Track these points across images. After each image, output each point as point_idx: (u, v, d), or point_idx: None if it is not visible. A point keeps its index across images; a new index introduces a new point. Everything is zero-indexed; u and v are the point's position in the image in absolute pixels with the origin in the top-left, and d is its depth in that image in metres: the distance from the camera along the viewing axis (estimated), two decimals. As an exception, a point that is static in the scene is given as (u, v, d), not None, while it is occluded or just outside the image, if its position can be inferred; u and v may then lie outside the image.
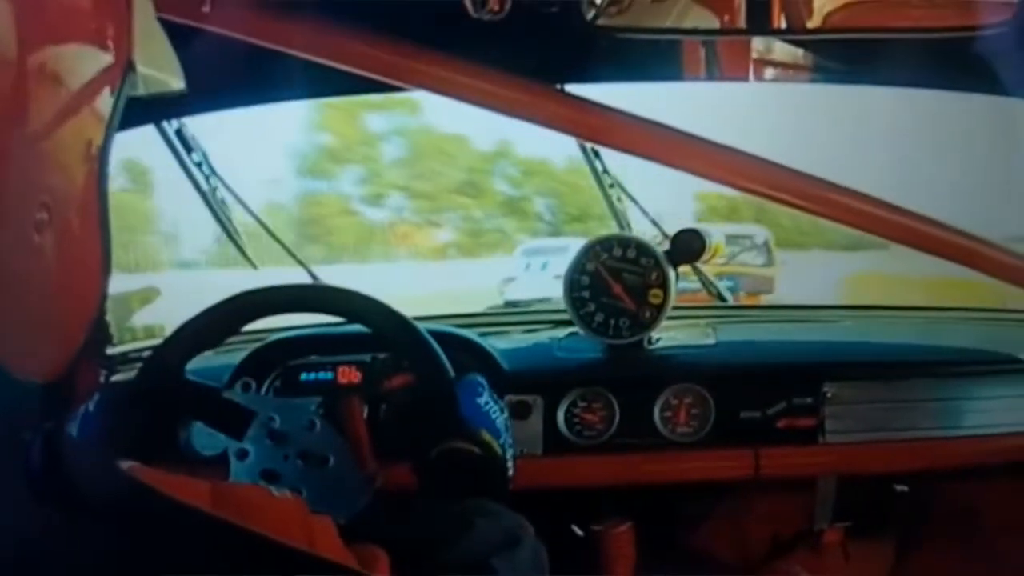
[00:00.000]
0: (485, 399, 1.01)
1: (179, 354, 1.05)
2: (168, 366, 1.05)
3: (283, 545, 0.50)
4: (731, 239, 8.41)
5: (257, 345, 1.29)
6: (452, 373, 1.04)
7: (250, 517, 0.54)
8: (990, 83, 1.08)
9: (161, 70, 0.88)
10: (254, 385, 1.09)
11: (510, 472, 0.98)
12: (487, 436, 0.96)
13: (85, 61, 0.48)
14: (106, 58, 0.50)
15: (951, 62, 1.11)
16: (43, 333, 0.48)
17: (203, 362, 1.08)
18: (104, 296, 0.79)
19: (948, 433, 1.27)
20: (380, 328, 1.09)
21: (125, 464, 0.53)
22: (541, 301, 3.91)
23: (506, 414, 1.02)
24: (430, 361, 1.05)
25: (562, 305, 1.34)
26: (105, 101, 0.50)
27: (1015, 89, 1.12)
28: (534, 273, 8.73)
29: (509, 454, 0.99)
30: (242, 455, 1.03)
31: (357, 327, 1.18)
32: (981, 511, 1.38)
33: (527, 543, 0.79)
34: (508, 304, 5.00)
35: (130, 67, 0.56)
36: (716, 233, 1.36)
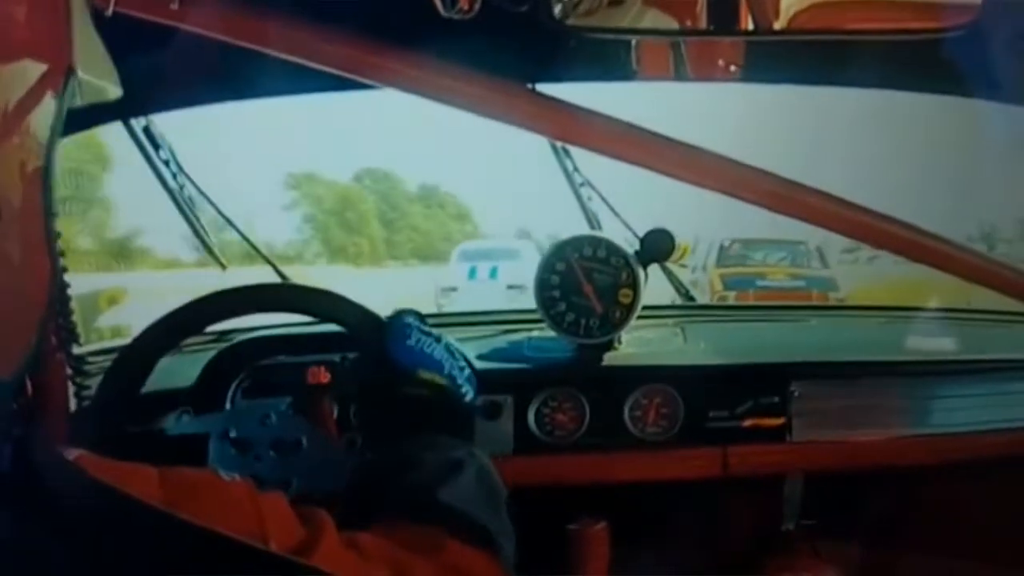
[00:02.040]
0: (415, 337, 0.98)
1: (140, 365, 1.04)
2: (129, 379, 1.04)
3: (234, 539, 0.50)
4: (790, 244, 8.65)
5: (224, 346, 1.29)
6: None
7: (200, 499, 0.56)
8: (952, 85, 1.12)
9: (100, 76, 0.89)
10: (191, 411, 1.11)
11: (467, 396, 0.98)
12: (425, 374, 0.95)
13: (26, 70, 0.49)
14: (46, 66, 0.50)
15: (915, 64, 1.14)
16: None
17: (167, 365, 1.06)
18: (52, 299, 0.79)
19: (914, 432, 1.31)
20: (354, 329, 1.09)
21: (72, 453, 0.54)
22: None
23: (444, 341, 1.00)
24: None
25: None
26: (48, 108, 0.50)
27: (976, 91, 1.15)
28: (481, 282, 8.23)
29: (462, 378, 0.98)
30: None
31: (326, 327, 1.20)
32: (948, 510, 1.41)
33: (470, 466, 0.79)
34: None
35: (71, 72, 0.57)
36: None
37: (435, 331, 1.00)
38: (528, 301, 1.37)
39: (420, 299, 7.52)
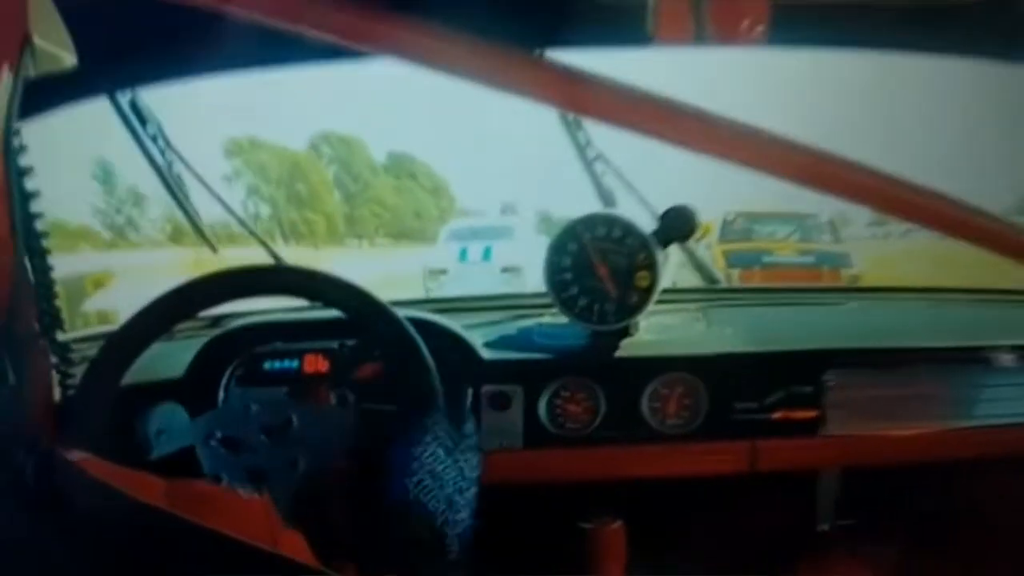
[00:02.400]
0: (417, 478, 0.96)
1: (129, 353, 1.02)
2: (118, 367, 1.01)
3: (239, 540, 0.50)
4: (796, 217, 8.42)
5: (217, 332, 1.26)
6: (435, 370, 1.01)
7: (211, 512, 0.56)
8: (990, 48, 1.05)
9: (56, 44, 0.84)
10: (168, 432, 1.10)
11: (452, 547, 0.96)
12: (418, 523, 0.94)
13: None
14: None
15: (952, 27, 1.06)
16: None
17: (155, 353, 1.03)
18: (16, 281, 0.75)
19: (959, 424, 1.24)
20: (356, 314, 1.06)
21: (77, 456, 0.54)
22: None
23: (455, 472, 0.99)
24: (409, 350, 1.02)
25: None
26: (5, 83, 0.48)
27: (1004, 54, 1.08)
28: (474, 264, 7.75)
29: (454, 522, 0.96)
30: (217, 481, 1.02)
31: (324, 313, 1.15)
32: (995, 509, 1.34)
33: None
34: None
35: (27, 42, 0.53)
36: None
37: (445, 445, 0.99)
38: (531, 284, 1.31)
39: (397, 283, 7.52)
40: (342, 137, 23.27)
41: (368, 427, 1.07)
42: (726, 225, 8.02)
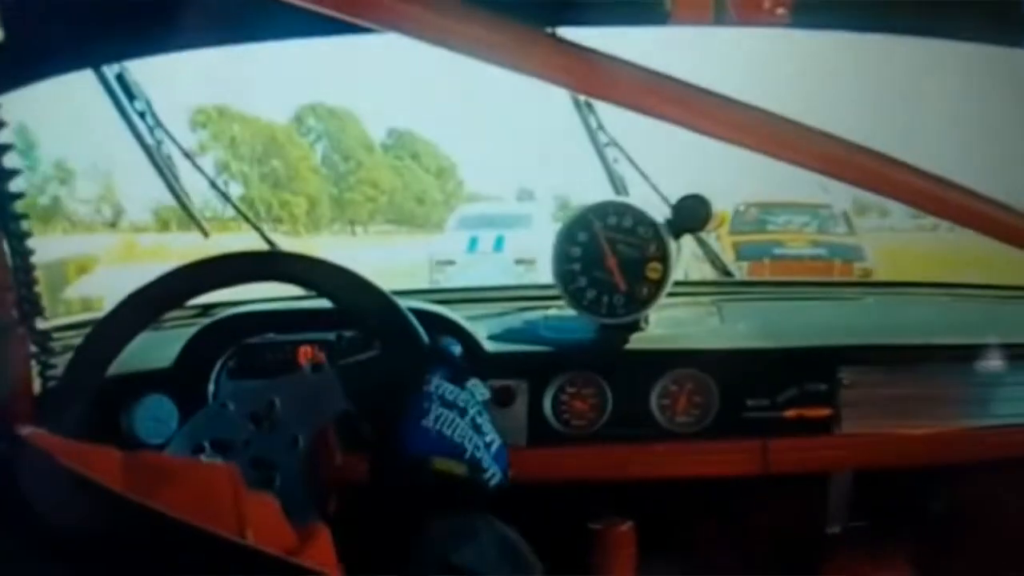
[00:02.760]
0: (434, 415, 0.95)
1: (114, 342, 0.99)
2: (102, 358, 0.99)
3: (188, 525, 0.47)
4: (810, 208, 8.31)
5: (207, 321, 1.23)
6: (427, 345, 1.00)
7: (171, 486, 0.54)
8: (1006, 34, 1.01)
9: None
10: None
11: (492, 479, 0.95)
12: (441, 463, 0.93)
13: None
14: None
15: (973, 11, 1.03)
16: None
17: (142, 342, 1.00)
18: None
19: (977, 423, 1.23)
20: (353, 304, 1.03)
21: (25, 430, 0.53)
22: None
23: (471, 412, 0.97)
24: (406, 338, 1.00)
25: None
26: None
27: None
28: (484, 255, 7.19)
29: (488, 458, 0.96)
30: None
31: (320, 302, 1.11)
32: (1012, 509, 1.30)
33: (486, 534, 0.83)
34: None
35: None
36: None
37: (463, 396, 0.98)
38: (542, 276, 1.27)
39: (398, 275, 6.97)
40: (332, 110, 22.00)
41: (354, 382, 1.03)
42: (738, 215, 7.85)
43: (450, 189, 22.67)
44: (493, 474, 0.96)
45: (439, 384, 0.98)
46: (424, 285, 6.67)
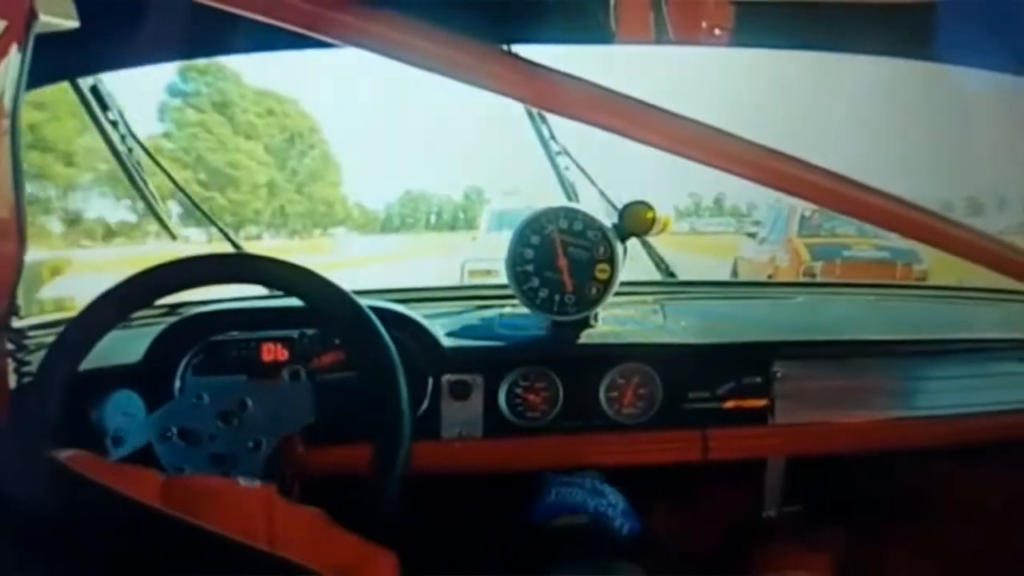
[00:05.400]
0: (554, 491, 1.10)
1: (87, 340, 1.02)
2: (75, 355, 1.01)
3: (233, 540, 0.50)
4: None
5: (174, 320, 1.26)
6: (398, 361, 1.02)
7: (205, 507, 0.55)
8: (938, 51, 1.09)
9: (59, 15, 0.84)
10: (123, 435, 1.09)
11: (623, 528, 1.06)
12: (562, 520, 1.05)
13: None
14: (5, 22, 0.48)
15: (904, 29, 1.12)
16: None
17: (110, 340, 1.03)
18: (21, 262, 0.76)
19: (901, 414, 1.29)
20: (318, 303, 1.06)
21: (61, 454, 0.53)
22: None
23: (590, 483, 1.11)
24: (374, 344, 1.03)
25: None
26: (11, 62, 0.48)
27: (960, 58, 1.15)
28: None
29: (615, 512, 1.08)
30: (179, 473, 1.04)
31: (283, 301, 1.16)
32: (936, 494, 1.40)
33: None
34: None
35: (33, 18, 0.53)
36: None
37: (578, 475, 1.10)
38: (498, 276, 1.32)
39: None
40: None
41: (325, 399, 1.09)
42: (804, 220, 7.97)
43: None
44: (622, 524, 1.03)
45: (555, 474, 1.07)
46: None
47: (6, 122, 0.51)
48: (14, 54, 0.49)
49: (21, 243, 0.67)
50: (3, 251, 0.50)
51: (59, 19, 0.85)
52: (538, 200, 1.34)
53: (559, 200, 1.41)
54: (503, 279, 1.29)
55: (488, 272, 5.59)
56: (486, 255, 5.96)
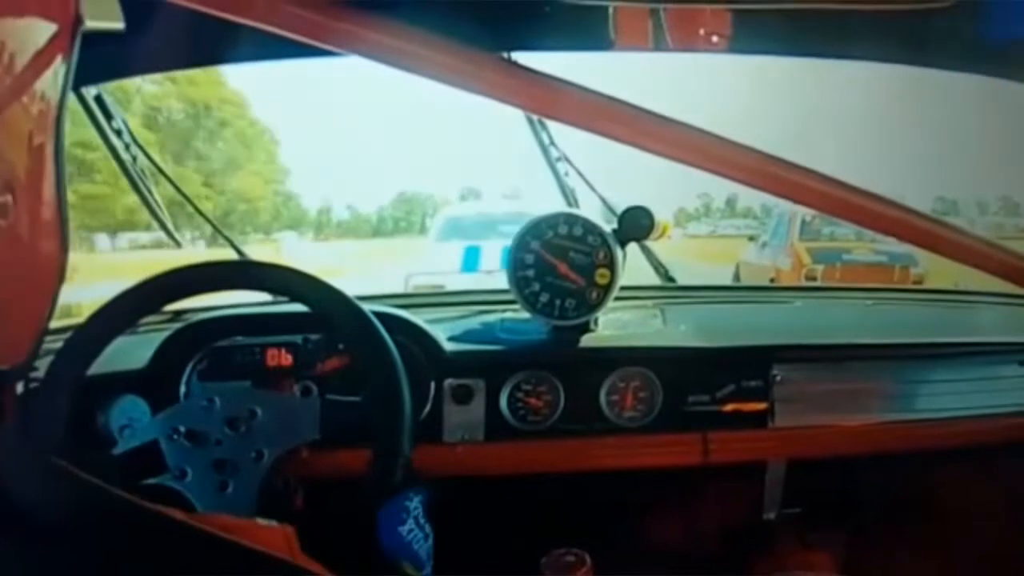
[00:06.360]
0: (409, 526, 1.07)
1: (94, 347, 1.04)
2: (82, 361, 1.03)
3: (233, 541, 0.51)
4: None
5: (179, 325, 1.27)
6: (401, 366, 1.05)
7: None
8: (936, 57, 1.10)
9: (106, 19, 0.86)
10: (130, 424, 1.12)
11: None
12: (409, 569, 1.05)
13: (34, 30, 0.47)
14: (55, 26, 0.48)
15: (903, 35, 1.13)
16: (8, 317, 0.47)
17: (117, 345, 1.05)
18: (63, 271, 0.76)
19: (900, 417, 1.30)
20: (323, 309, 1.09)
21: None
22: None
23: (431, 541, 1.10)
24: (377, 352, 1.05)
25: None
26: (58, 67, 0.48)
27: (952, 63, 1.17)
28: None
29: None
30: (181, 475, 1.07)
31: (287, 307, 1.17)
32: (935, 497, 1.39)
33: None
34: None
35: (79, 24, 0.54)
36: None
37: (428, 528, 1.10)
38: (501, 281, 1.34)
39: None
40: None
41: (332, 417, 1.11)
42: (805, 225, 8.05)
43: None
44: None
45: (418, 506, 1.08)
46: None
47: (51, 125, 0.51)
48: (60, 59, 0.50)
49: (64, 247, 0.68)
50: (46, 253, 0.50)
51: (105, 23, 0.86)
52: (538, 205, 1.34)
53: (559, 205, 1.42)
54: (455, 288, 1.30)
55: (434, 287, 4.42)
56: (432, 267, 5.30)
